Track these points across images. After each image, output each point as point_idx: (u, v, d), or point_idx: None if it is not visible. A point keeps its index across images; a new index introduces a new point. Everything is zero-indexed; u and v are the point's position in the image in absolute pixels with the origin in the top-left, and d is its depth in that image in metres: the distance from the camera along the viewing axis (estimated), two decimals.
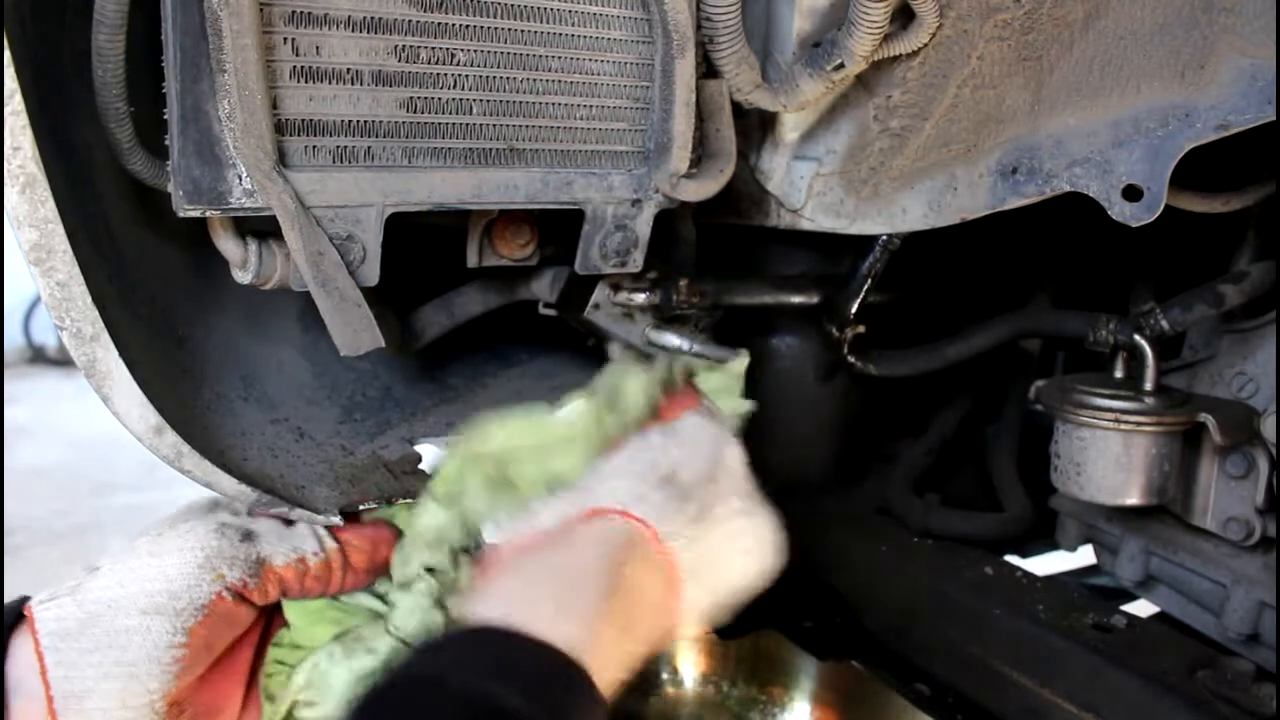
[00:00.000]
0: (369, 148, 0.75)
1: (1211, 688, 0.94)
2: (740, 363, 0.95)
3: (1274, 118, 0.73)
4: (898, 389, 1.32)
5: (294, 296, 0.94)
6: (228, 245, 0.77)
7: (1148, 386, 1.02)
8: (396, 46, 0.75)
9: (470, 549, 0.85)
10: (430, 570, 0.84)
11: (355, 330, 0.77)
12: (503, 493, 0.85)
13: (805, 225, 1.02)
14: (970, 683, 1.08)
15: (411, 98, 0.76)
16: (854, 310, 1.14)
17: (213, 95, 0.68)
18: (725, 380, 0.94)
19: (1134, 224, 0.79)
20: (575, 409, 0.85)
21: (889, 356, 1.21)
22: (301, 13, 0.71)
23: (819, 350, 1.25)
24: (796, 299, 1.17)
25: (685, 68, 0.84)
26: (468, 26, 0.77)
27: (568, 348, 1.18)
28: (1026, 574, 1.18)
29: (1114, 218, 0.80)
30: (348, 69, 0.73)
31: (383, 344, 0.78)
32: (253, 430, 0.90)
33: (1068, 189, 0.83)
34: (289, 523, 0.83)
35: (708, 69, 0.89)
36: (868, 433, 1.40)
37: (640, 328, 1.02)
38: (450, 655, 0.63)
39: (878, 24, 0.85)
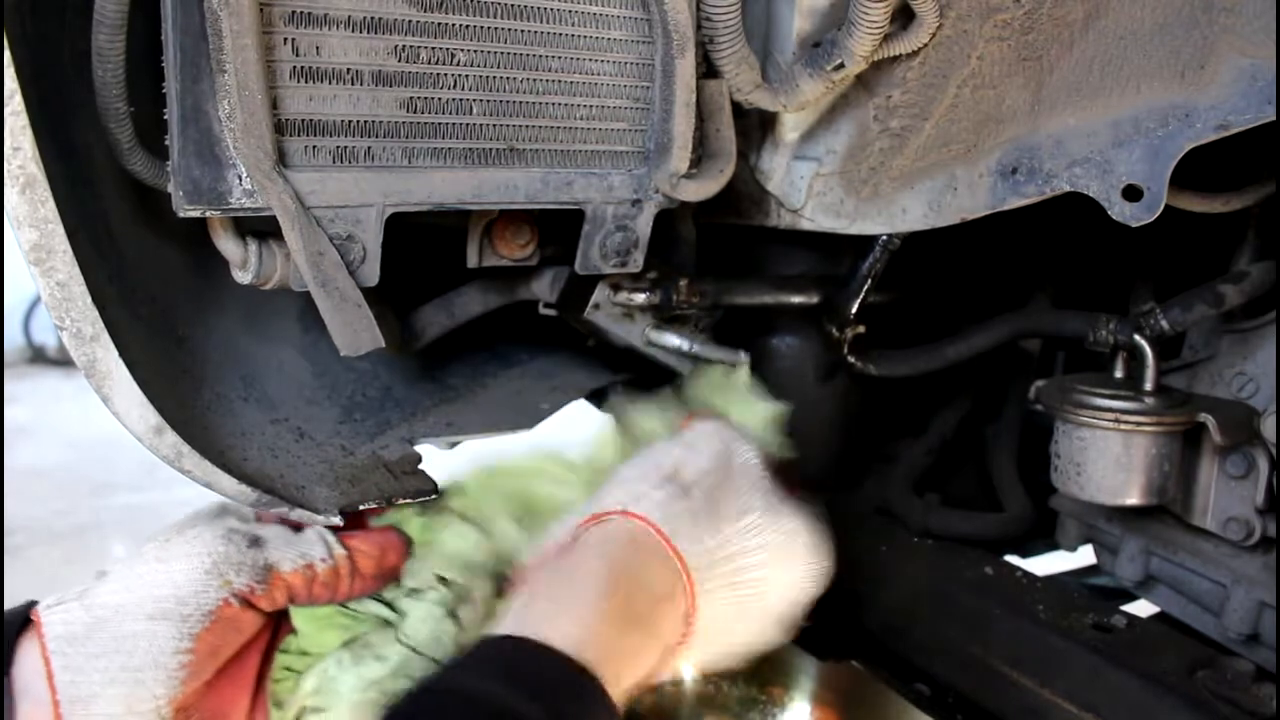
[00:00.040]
0: (369, 148, 0.75)
1: (1211, 688, 0.94)
2: (742, 371, 0.96)
3: (1274, 118, 0.73)
4: (898, 389, 1.32)
5: (294, 296, 0.94)
6: (228, 245, 0.77)
7: (1148, 386, 1.02)
8: (396, 46, 0.75)
9: (499, 573, 0.86)
10: (444, 580, 0.84)
11: (355, 330, 0.77)
12: (526, 514, 0.86)
13: (805, 225, 1.02)
14: (970, 683, 1.08)
15: (411, 98, 0.76)
16: (854, 310, 1.14)
17: (213, 95, 0.68)
18: (735, 391, 0.95)
19: (1134, 224, 0.79)
20: (595, 439, 0.87)
21: (889, 356, 1.21)
22: (301, 13, 0.71)
23: (819, 350, 1.25)
24: (796, 299, 1.17)
25: (685, 68, 0.84)
26: (468, 26, 0.77)
27: (568, 348, 1.18)
28: (1026, 574, 1.17)
29: (1114, 218, 0.80)
30: (348, 69, 0.73)
31: (383, 344, 0.78)
32: (253, 430, 0.90)
33: (1068, 189, 0.83)
34: (297, 529, 0.83)
35: (708, 69, 0.89)
36: (868, 433, 1.40)
37: (640, 328, 1.03)
38: (459, 665, 0.65)
39: (878, 24, 0.85)
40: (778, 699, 1.16)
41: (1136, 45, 0.80)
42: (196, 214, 0.71)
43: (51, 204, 0.67)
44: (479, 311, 1.06)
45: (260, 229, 0.77)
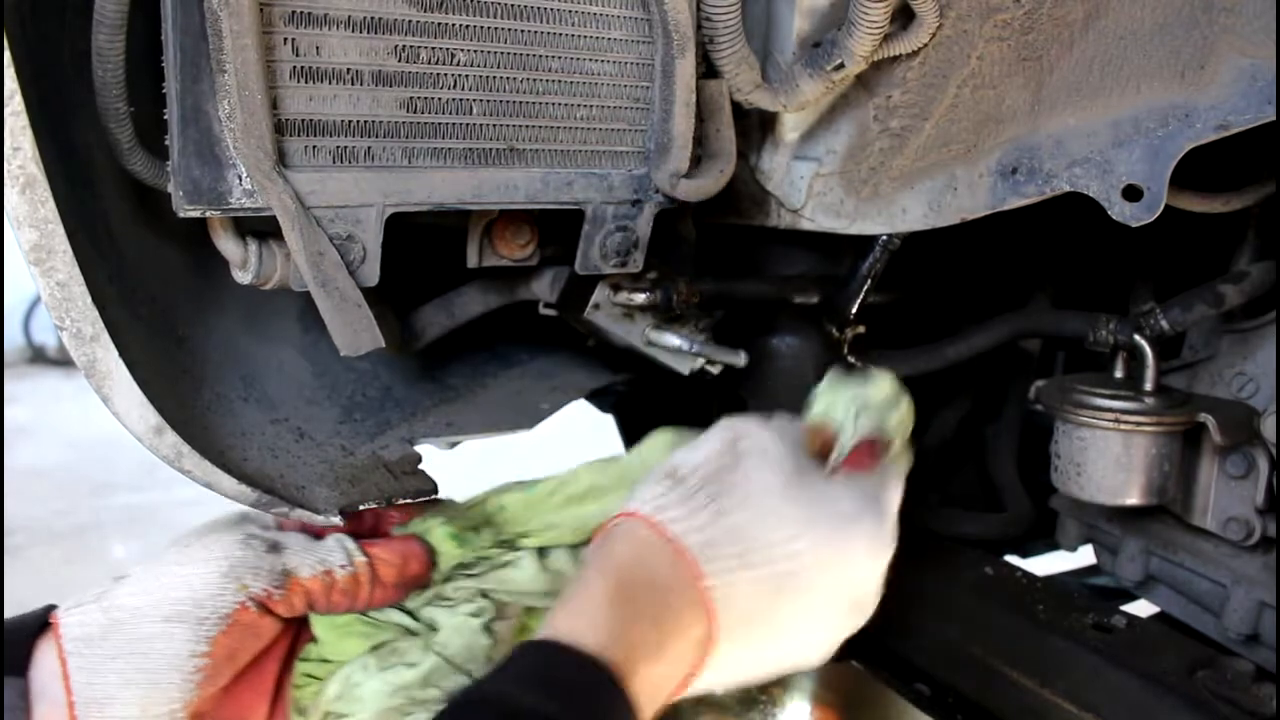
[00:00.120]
0: (369, 148, 0.75)
1: (1211, 688, 0.94)
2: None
3: (1274, 118, 0.73)
4: None
5: (294, 296, 0.94)
6: (228, 245, 0.77)
7: (1148, 386, 1.02)
8: (396, 46, 0.75)
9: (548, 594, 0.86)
10: (485, 595, 0.83)
11: (355, 330, 0.77)
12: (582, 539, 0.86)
13: (805, 225, 1.02)
14: (970, 683, 1.08)
15: (411, 98, 0.76)
16: (854, 310, 1.14)
17: (213, 95, 0.68)
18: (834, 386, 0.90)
19: (1134, 224, 0.79)
20: (649, 442, 0.88)
21: (889, 356, 1.21)
22: (301, 13, 0.70)
23: (819, 350, 1.25)
24: (796, 299, 1.17)
25: (685, 68, 0.84)
26: (468, 26, 0.77)
27: (568, 348, 1.18)
28: (1026, 574, 1.17)
29: (1114, 218, 0.80)
30: (348, 69, 0.73)
31: (383, 344, 0.78)
32: (253, 430, 0.90)
33: (1068, 189, 0.83)
34: (319, 536, 0.82)
35: (708, 69, 0.89)
36: None
37: (640, 328, 1.02)
38: (493, 673, 0.66)
39: (878, 24, 0.85)
40: (778, 699, 1.15)
41: (1136, 45, 0.80)
42: (196, 214, 0.71)
43: (51, 204, 0.67)
44: (479, 311, 1.05)
45: (260, 229, 0.77)
